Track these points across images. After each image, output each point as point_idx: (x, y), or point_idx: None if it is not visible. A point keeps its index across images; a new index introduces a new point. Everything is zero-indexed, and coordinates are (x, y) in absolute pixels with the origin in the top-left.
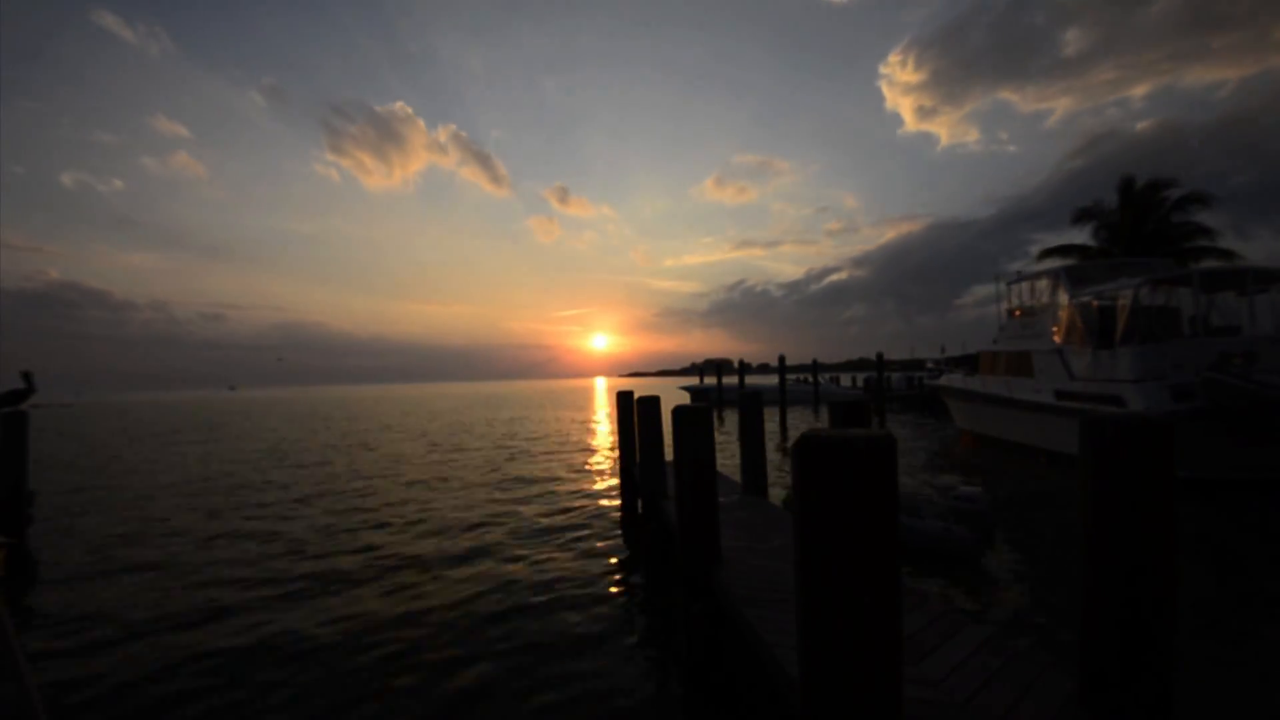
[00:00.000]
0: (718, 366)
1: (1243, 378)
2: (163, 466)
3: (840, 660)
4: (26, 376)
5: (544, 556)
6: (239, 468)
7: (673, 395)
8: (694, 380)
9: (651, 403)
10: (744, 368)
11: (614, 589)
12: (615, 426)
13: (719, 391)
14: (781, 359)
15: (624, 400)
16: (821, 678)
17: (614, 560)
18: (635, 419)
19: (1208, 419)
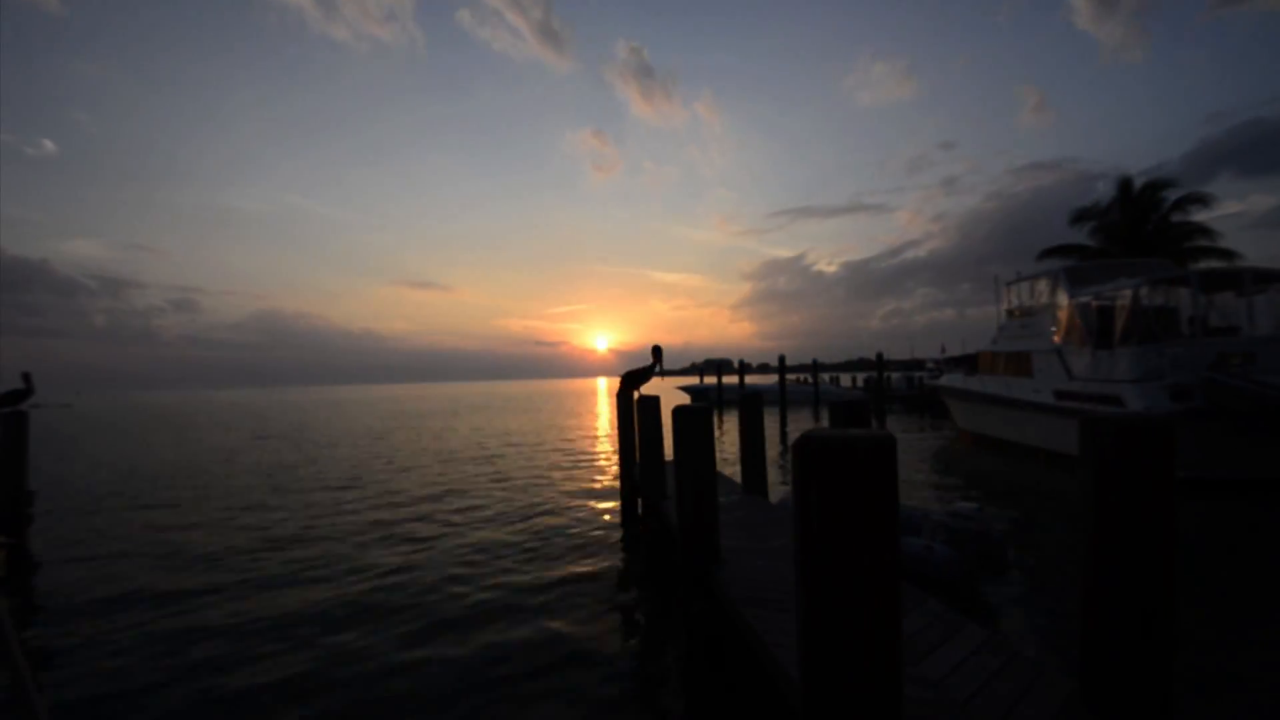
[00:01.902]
0: (718, 366)
1: (1243, 378)
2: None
3: (840, 660)
4: (26, 377)
5: (543, 557)
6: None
7: (673, 396)
8: (693, 380)
9: (651, 403)
10: (744, 367)
11: (614, 589)
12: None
13: (719, 391)
14: (781, 359)
15: (624, 400)
16: (821, 678)
17: (614, 560)
18: (635, 419)
19: (1207, 419)
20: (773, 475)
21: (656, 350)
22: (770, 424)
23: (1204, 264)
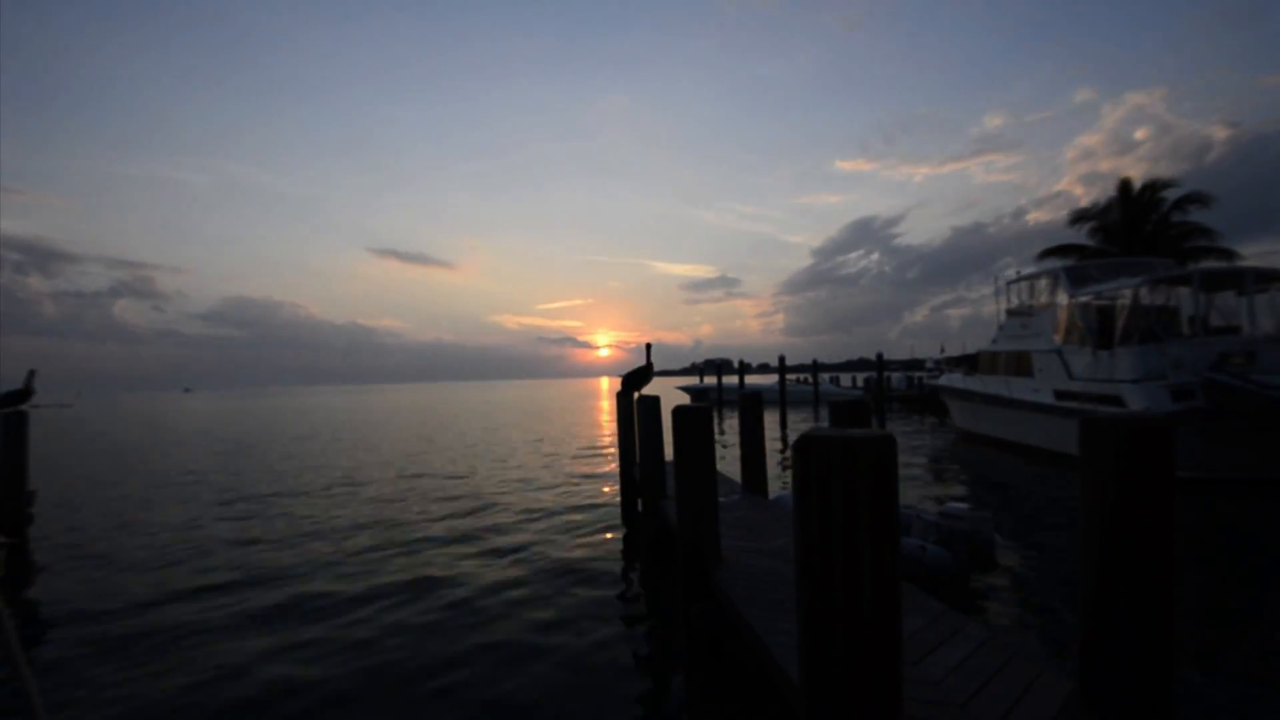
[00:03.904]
0: (718, 367)
1: (1242, 378)
2: None
3: (840, 660)
4: (29, 376)
5: (543, 557)
6: None
7: (673, 396)
8: (693, 380)
9: (651, 402)
10: (744, 368)
11: (614, 589)
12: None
13: (719, 391)
14: (781, 359)
15: (624, 400)
16: (821, 678)
17: (614, 560)
18: (635, 419)
19: (1208, 419)
20: (773, 475)
21: (648, 348)
22: (770, 424)
23: (1204, 263)
